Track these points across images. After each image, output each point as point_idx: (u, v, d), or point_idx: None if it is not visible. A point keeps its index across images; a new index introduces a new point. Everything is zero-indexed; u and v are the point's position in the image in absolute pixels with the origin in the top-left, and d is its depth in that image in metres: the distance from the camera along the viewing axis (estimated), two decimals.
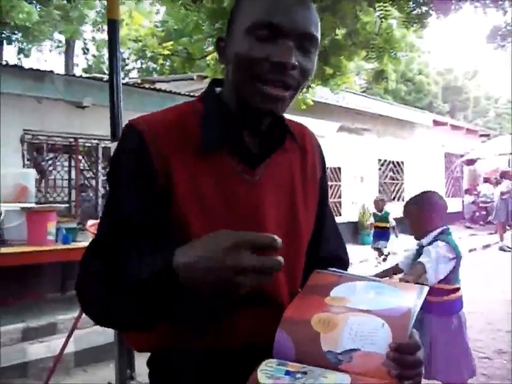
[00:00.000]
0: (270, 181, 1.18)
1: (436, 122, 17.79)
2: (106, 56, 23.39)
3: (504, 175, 15.50)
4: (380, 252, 10.28)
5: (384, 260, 10.15)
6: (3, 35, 16.28)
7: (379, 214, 10.23)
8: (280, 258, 0.91)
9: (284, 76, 1.07)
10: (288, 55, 1.05)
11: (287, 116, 1.24)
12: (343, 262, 1.37)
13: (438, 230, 3.33)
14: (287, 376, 0.97)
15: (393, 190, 16.16)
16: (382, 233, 10.27)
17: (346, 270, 1.32)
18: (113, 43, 3.12)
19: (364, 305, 1.08)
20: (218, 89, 1.23)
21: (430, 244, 3.25)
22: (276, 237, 0.91)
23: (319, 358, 1.01)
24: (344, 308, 1.08)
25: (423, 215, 3.37)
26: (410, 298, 1.10)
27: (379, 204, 10.26)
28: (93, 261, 1.08)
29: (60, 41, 19.89)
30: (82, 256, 1.11)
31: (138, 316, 1.01)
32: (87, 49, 22.78)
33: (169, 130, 1.13)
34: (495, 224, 14.51)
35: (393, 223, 10.15)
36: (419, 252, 3.31)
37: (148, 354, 1.24)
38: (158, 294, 0.95)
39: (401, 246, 12.07)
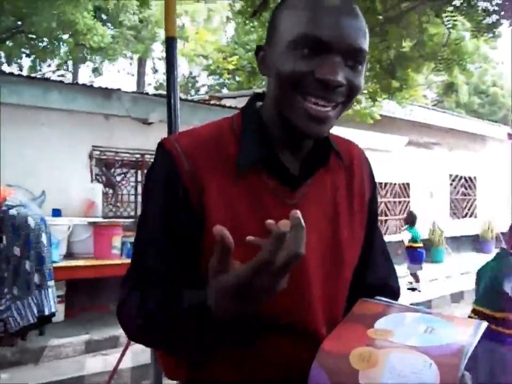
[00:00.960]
0: (311, 203, 1.10)
1: (511, 136, 17.04)
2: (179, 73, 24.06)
3: None
4: (416, 278, 9.11)
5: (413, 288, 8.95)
6: (80, 55, 17.03)
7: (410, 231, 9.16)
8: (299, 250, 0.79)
9: (330, 94, 0.99)
10: (335, 72, 0.97)
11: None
12: (392, 290, 1.26)
13: None
14: None
15: (465, 207, 15.57)
16: (413, 254, 9.08)
17: (396, 299, 1.21)
18: (170, 60, 3.13)
19: (410, 341, 0.96)
20: (259, 104, 1.16)
21: None
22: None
23: None
24: (388, 342, 0.97)
25: None
26: (464, 335, 0.98)
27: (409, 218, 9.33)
28: (131, 289, 1.06)
29: (131, 59, 20.56)
30: (123, 280, 1.09)
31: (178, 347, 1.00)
32: (156, 69, 23.44)
33: (204, 149, 1.07)
34: None
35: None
36: None
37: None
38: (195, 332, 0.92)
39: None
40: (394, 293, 1.25)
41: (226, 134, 1.10)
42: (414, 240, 9.05)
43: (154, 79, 23.94)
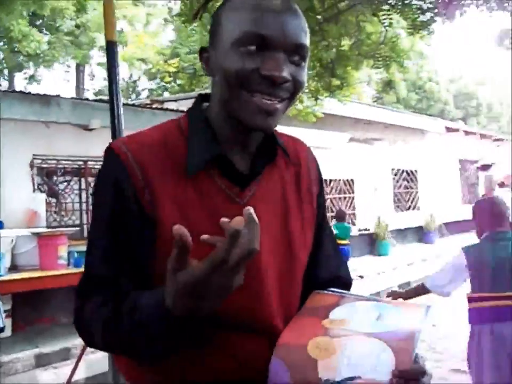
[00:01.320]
0: (261, 201, 1.11)
1: (448, 129, 17.65)
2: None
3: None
4: None
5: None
6: (15, 63, 16.57)
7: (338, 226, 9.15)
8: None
9: (276, 89, 1.01)
10: (280, 68, 0.99)
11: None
12: (343, 282, 1.29)
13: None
14: None
15: (408, 200, 16.01)
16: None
17: (347, 290, 1.24)
18: (112, 64, 3.09)
19: (364, 328, 1.00)
20: (205, 105, 1.16)
21: None
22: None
23: None
24: (343, 330, 1.00)
25: None
26: (415, 320, 1.03)
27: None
28: (88, 296, 1.06)
29: (69, 66, 20.11)
30: (77, 289, 1.09)
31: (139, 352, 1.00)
32: (94, 75, 23.03)
33: (153, 151, 1.06)
34: None
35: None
36: None
37: None
38: (157, 334, 0.93)
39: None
40: (345, 284, 1.28)
41: (174, 136, 1.10)
42: (339, 237, 9.14)
43: (93, 85, 23.51)
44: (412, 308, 1.10)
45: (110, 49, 3.09)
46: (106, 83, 22.16)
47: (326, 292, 1.16)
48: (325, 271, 1.26)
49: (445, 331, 6.23)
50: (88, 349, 3.66)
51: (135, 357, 1.04)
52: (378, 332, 0.98)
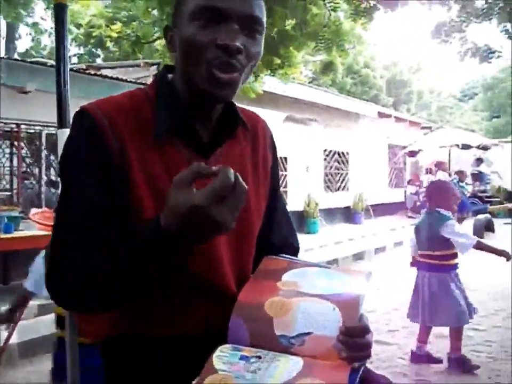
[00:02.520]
0: None
1: (381, 114, 18.15)
2: (44, 40, 22.68)
3: (439, 165, 16.05)
4: None
5: None
6: None
7: None
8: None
9: (231, 59, 1.07)
10: (233, 37, 1.05)
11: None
12: (293, 249, 1.40)
13: None
14: (241, 361, 1.00)
15: (338, 180, 16.42)
16: None
17: (296, 257, 1.35)
18: (60, 27, 3.02)
19: (315, 290, 1.11)
20: (170, 76, 1.22)
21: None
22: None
23: (272, 342, 1.04)
24: (296, 292, 1.11)
25: None
26: (359, 284, 1.15)
27: None
28: (71, 254, 1.04)
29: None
30: (53, 249, 1.08)
31: (133, 285, 1.01)
32: (20, 35, 22.00)
33: (123, 115, 1.11)
34: None
35: None
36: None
37: None
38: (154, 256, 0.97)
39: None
40: (295, 251, 1.39)
41: (142, 103, 1.15)
42: None
43: (21, 45, 22.44)
44: (355, 274, 1.22)
45: (59, 12, 3.01)
46: (31, 43, 21.19)
47: (278, 257, 1.26)
48: (276, 237, 1.36)
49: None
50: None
51: (127, 285, 1.02)
52: (327, 294, 1.09)
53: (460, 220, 14.06)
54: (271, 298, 1.09)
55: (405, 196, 19.62)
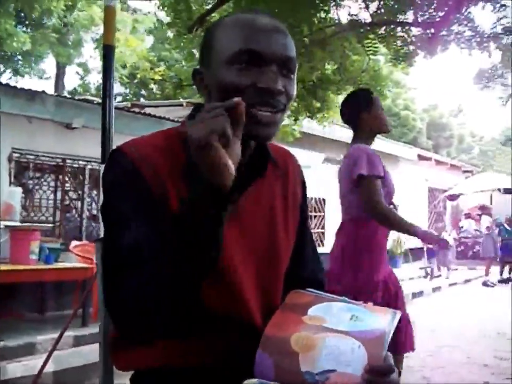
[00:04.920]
0: (249, 207, 1.22)
1: (420, 157, 18.00)
2: (93, 79, 23.45)
3: (483, 210, 15.75)
4: None
5: None
6: None
7: None
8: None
9: (272, 101, 1.10)
10: (275, 80, 1.09)
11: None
12: (320, 283, 1.41)
13: None
14: None
15: None
16: None
17: (322, 291, 1.36)
18: (108, 67, 3.18)
19: (341, 326, 1.11)
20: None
21: None
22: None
23: (297, 378, 1.04)
24: (321, 328, 1.11)
25: None
26: (384, 322, 1.15)
27: None
28: (128, 279, 1.04)
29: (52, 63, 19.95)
30: (112, 282, 1.08)
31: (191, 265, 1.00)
32: (79, 73, 22.84)
33: (158, 154, 1.14)
34: (479, 259, 14.77)
35: None
36: None
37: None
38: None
39: None
40: (321, 285, 1.40)
41: (175, 142, 1.18)
42: None
43: (70, 83, 23.33)
44: (381, 311, 1.22)
45: (108, 53, 3.18)
46: (79, 81, 21.85)
47: (304, 291, 1.27)
48: (304, 271, 1.39)
49: None
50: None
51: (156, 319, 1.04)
52: (352, 331, 1.10)
53: (506, 264, 13.74)
54: (297, 333, 1.10)
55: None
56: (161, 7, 6.13)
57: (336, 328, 1.11)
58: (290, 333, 1.11)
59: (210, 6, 6.06)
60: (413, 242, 16.56)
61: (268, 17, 1.15)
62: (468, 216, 19.14)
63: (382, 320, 1.16)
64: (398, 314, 1.20)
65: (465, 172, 22.22)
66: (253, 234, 1.22)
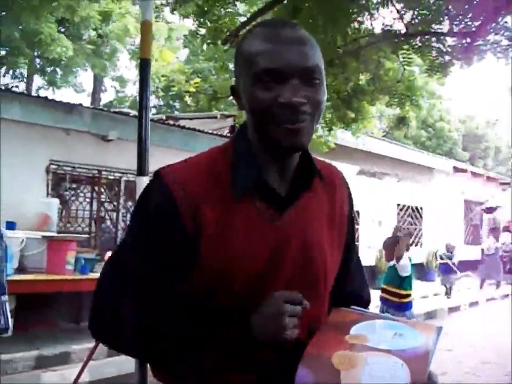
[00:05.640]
0: (297, 223, 1.21)
1: (456, 169, 17.75)
2: (128, 92, 23.84)
3: None
4: None
5: None
6: (37, 67, 16.79)
7: None
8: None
9: (296, 114, 1.11)
10: (295, 93, 1.10)
11: None
12: (364, 301, 1.40)
13: None
14: None
15: (411, 235, 16.03)
16: None
17: (366, 308, 1.35)
18: (144, 80, 3.21)
19: (383, 345, 1.10)
20: (246, 134, 1.25)
21: None
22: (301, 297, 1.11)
23: None
24: (364, 346, 1.10)
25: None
26: (428, 339, 1.12)
27: None
28: (122, 302, 1.15)
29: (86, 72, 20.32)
30: (101, 296, 1.20)
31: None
32: (114, 87, 23.31)
33: (199, 178, 1.17)
34: None
35: None
36: None
37: None
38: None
39: None
40: (366, 302, 1.40)
41: (219, 164, 1.20)
42: None
43: (104, 95, 23.77)
44: (425, 328, 1.19)
45: (144, 66, 3.22)
46: (114, 95, 22.27)
47: (347, 309, 1.26)
48: (348, 288, 1.37)
49: None
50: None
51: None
52: (395, 349, 1.08)
53: None
54: (339, 352, 1.09)
55: (482, 254, 18.86)
56: (195, 19, 6.16)
57: (378, 346, 1.10)
58: (332, 351, 1.09)
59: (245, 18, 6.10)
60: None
61: (289, 28, 1.15)
62: (506, 229, 18.70)
63: (425, 337, 1.13)
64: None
65: (502, 184, 21.78)
66: (300, 248, 1.21)
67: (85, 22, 13.67)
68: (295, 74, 1.11)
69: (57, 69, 17.01)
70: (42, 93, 18.03)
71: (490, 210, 19.83)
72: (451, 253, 12.79)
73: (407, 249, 5.75)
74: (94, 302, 1.20)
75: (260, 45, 1.13)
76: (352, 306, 1.27)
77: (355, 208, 1.43)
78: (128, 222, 7.74)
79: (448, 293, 12.63)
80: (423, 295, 12.17)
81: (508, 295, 13.99)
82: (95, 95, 21.46)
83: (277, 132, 1.12)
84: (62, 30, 15.22)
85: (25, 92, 14.53)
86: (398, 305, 5.25)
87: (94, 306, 1.20)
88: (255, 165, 1.19)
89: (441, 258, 12.89)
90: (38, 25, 12.11)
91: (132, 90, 23.45)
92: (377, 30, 5.96)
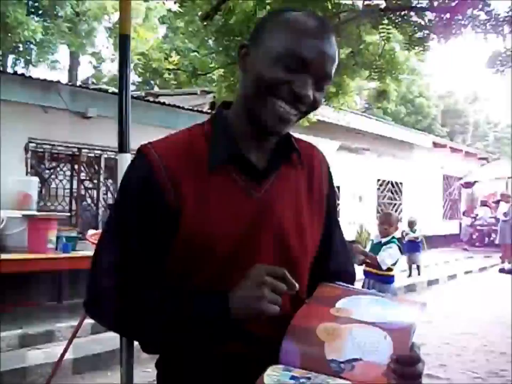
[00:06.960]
0: (275, 195, 1.23)
1: (435, 145, 17.89)
2: (105, 68, 23.55)
3: (503, 197, 15.62)
4: None
5: None
6: (10, 45, 16.46)
7: None
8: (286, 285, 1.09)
9: (298, 104, 1.15)
10: (309, 89, 1.13)
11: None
12: (350, 276, 1.42)
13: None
14: (291, 381, 1.02)
15: (391, 210, 16.19)
16: None
17: (352, 284, 1.37)
18: (123, 57, 3.16)
19: (368, 318, 1.12)
20: (226, 112, 1.28)
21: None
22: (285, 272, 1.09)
23: (322, 366, 1.05)
24: (348, 319, 1.12)
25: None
26: (411, 314, 1.16)
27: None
28: (112, 281, 1.18)
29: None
30: (94, 277, 1.23)
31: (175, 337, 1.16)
32: (92, 63, 22.93)
33: (180, 154, 1.19)
34: (495, 246, 14.66)
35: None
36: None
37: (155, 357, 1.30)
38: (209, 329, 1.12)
39: None
40: (351, 278, 1.42)
41: (199, 139, 1.23)
42: None
43: (83, 72, 23.42)
44: (409, 303, 1.23)
45: (123, 42, 3.16)
46: (92, 71, 21.99)
47: (333, 284, 1.28)
48: (333, 264, 1.39)
49: None
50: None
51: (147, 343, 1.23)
52: (379, 322, 1.10)
53: None
54: (324, 324, 1.11)
55: (460, 228, 19.16)
56: None
57: (362, 319, 1.12)
58: (317, 323, 1.12)
59: None
60: (430, 229, 16.53)
61: (331, 33, 1.17)
62: (484, 203, 18.99)
63: (409, 312, 1.16)
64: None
65: (480, 159, 22.04)
66: (278, 217, 1.23)
67: (60, 1, 13.46)
68: (314, 75, 1.14)
69: (32, 47, 16.70)
70: (19, 71, 17.71)
71: (468, 185, 20.07)
72: (411, 228, 12.19)
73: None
74: (88, 281, 1.23)
75: (296, 29, 1.14)
76: (337, 282, 1.29)
77: (336, 184, 1.45)
78: (108, 200, 7.72)
79: (411, 274, 11.74)
80: (402, 268, 12.33)
81: (485, 267, 14.27)
82: (72, 71, 21.09)
83: (267, 114, 1.15)
84: (34, 9, 14.93)
85: (0, 69, 14.26)
86: (381, 278, 5.43)
87: (87, 285, 1.23)
88: (232, 139, 1.21)
89: (404, 236, 12.08)
90: (4, 6, 11.86)
91: (110, 67, 23.17)
92: (359, 5, 5.95)
